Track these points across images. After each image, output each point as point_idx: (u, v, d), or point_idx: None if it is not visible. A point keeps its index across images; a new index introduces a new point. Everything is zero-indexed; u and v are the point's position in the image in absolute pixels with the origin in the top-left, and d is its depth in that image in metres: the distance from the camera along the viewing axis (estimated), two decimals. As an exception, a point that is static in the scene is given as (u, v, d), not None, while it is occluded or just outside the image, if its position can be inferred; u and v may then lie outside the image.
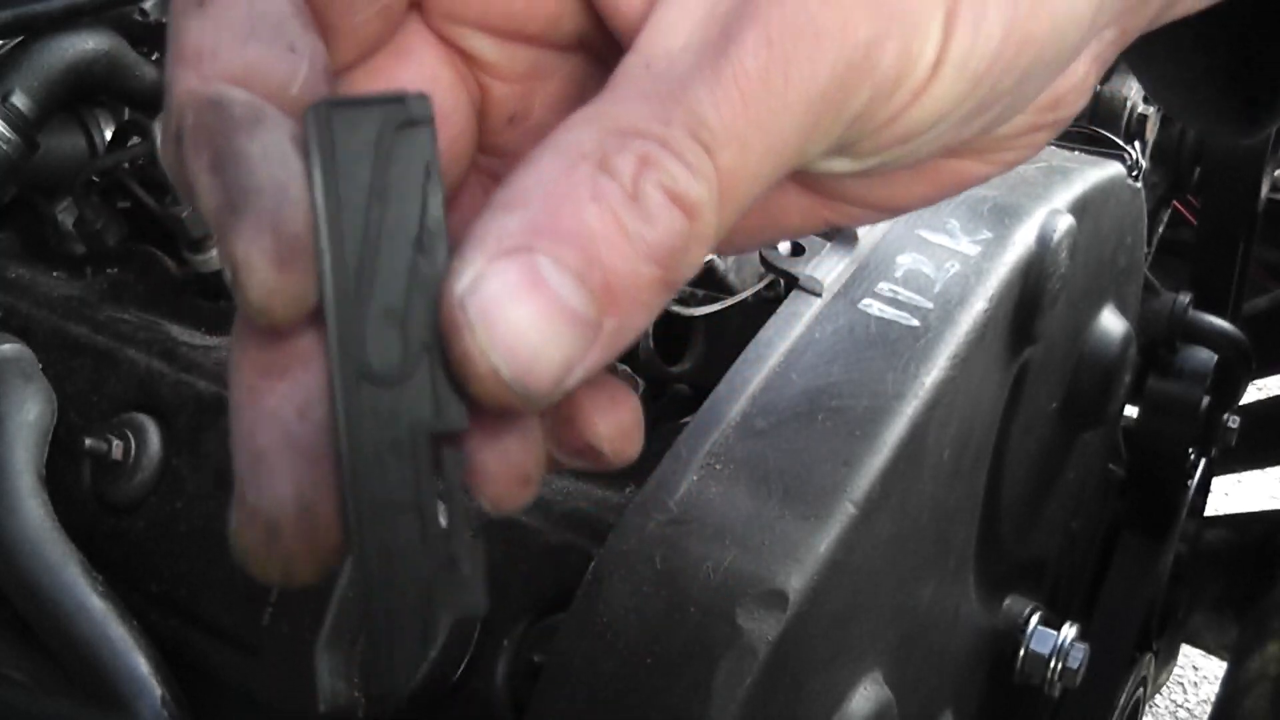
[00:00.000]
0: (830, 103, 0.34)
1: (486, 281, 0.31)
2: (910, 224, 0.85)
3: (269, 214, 0.32)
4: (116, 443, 0.99)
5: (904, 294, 0.79)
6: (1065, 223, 0.85)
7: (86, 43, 1.22)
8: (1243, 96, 0.58)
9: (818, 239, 0.85)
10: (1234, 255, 1.45)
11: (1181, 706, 2.62)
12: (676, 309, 0.93)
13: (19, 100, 1.19)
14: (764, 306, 0.90)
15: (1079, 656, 0.94)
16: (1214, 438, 1.43)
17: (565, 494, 0.87)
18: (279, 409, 0.34)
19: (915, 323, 0.77)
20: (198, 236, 1.15)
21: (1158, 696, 2.58)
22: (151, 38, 1.28)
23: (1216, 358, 1.35)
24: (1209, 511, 1.68)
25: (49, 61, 1.21)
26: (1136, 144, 1.17)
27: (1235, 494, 2.80)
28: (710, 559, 0.67)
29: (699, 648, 0.64)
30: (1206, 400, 1.35)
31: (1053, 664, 0.95)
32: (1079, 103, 0.43)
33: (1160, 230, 1.53)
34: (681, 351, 0.95)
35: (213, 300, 1.15)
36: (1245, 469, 1.97)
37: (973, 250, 0.82)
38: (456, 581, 0.34)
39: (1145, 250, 1.15)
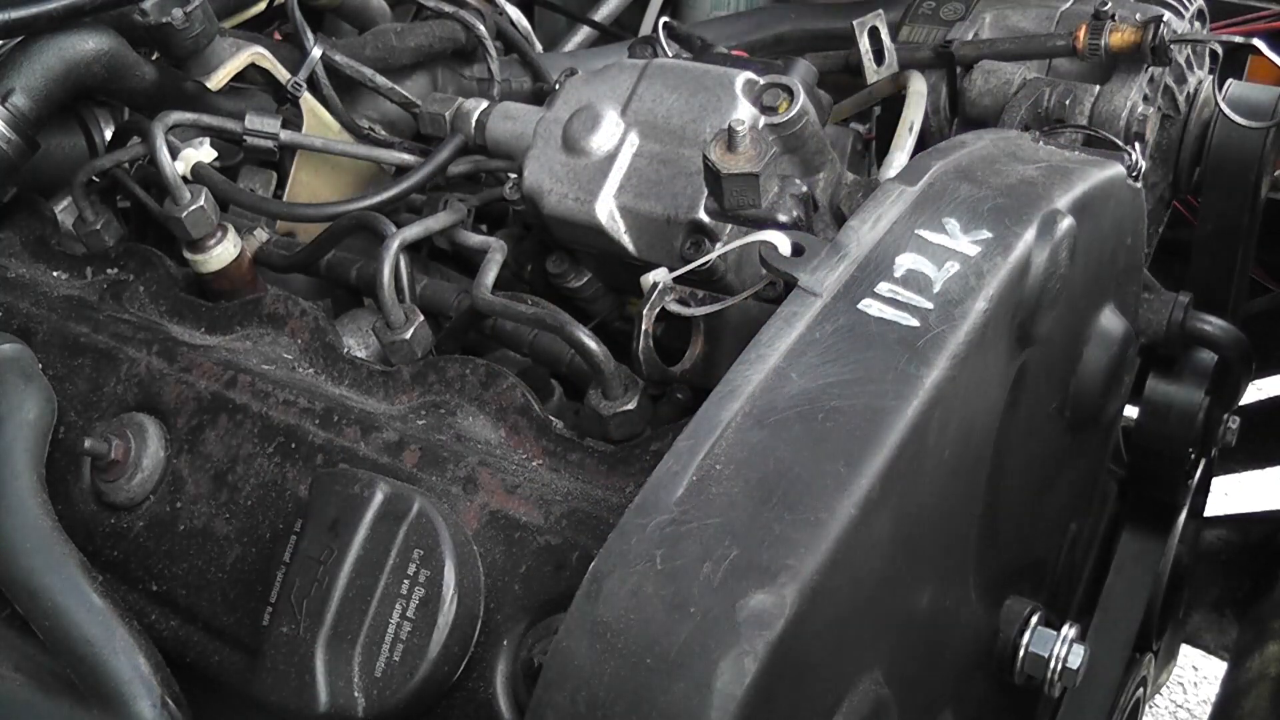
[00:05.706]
0: None
1: None
2: (910, 224, 0.84)
3: None
4: (116, 443, 0.99)
5: (904, 294, 0.79)
6: (1065, 223, 0.85)
7: (86, 43, 1.22)
8: None
9: (817, 239, 0.85)
10: (1234, 255, 1.44)
11: (1181, 707, 2.62)
12: (676, 309, 0.93)
13: (19, 100, 1.19)
14: (764, 306, 0.90)
15: (1079, 656, 0.94)
16: (1214, 438, 1.43)
17: (565, 494, 0.87)
18: None
19: (915, 323, 0.77)
20: (197, 236, 1.14)
21: (1158, 696, 2.58)
22: (151, 38, 1.27)
23: (1216, 358, 1.35)
24: (1209, 511, 1.67)
25: (49, 61, 1.20)
26: (1136, 144, 1.17)
27: (1235, 494, 2.80)
28: (710, 559, 0.66)
29: (699, 648, 0.64)
30: (1206, 401, 1.35)
31: (1053, 664, 0.95)
32: None
33: (1160, 230, 1.53)
34: (681, 351, 0.95)
35: (213, 300, 1.15)
36: (1245, 469, 1.96)
37: (973, 250, 0.82)
38: None
39: (1145, 250, 1.15)
